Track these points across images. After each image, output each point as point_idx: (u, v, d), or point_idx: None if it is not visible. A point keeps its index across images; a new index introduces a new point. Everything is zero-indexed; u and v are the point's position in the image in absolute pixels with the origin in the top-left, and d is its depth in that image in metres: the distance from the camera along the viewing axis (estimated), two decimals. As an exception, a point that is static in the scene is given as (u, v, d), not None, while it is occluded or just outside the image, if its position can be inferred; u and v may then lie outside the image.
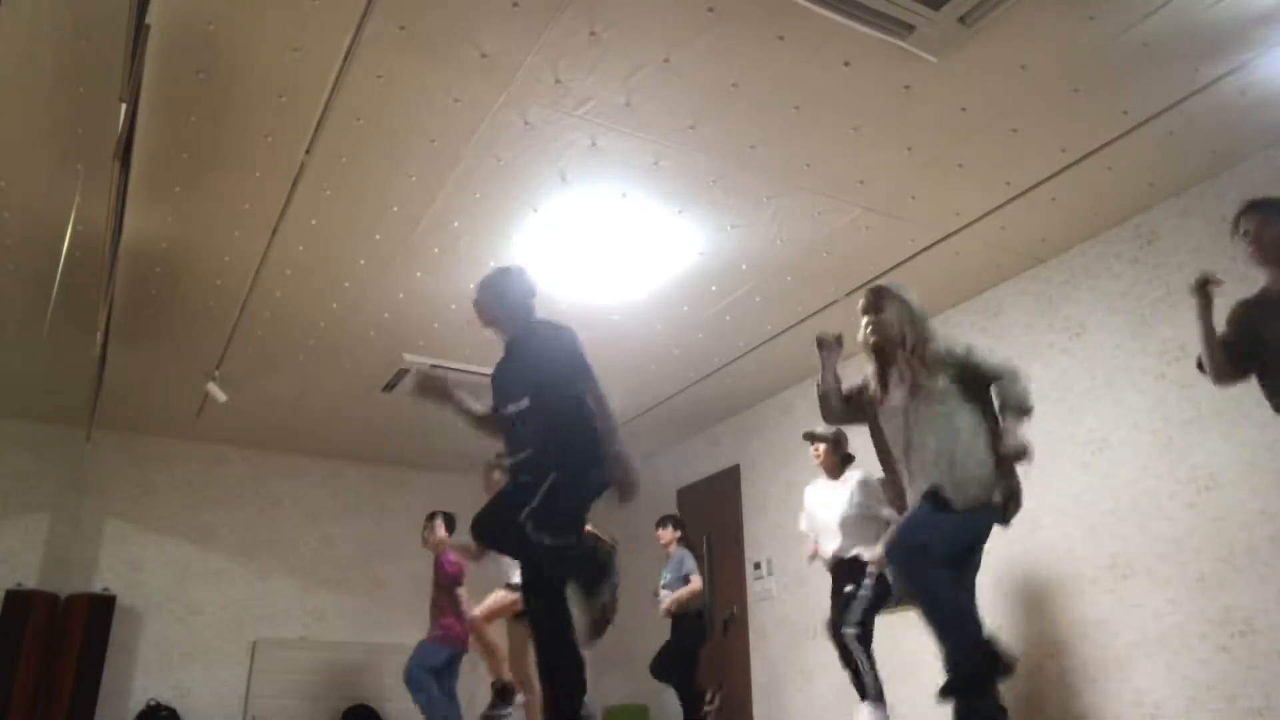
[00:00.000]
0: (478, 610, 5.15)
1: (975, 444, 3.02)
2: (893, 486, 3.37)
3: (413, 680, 5.49)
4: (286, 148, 3.83)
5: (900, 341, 3.16)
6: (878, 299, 3.24)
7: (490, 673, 5.25)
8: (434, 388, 3.36)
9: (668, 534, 5.87)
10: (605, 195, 4.23)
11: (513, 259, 4.73)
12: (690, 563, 5.71)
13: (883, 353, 3.23)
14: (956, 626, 2.92)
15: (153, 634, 6.88)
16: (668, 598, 5.68)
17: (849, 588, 4.45)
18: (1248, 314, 2.91)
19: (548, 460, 2.97)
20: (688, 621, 5.66)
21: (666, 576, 5.75)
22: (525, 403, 3.08)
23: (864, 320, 3.26)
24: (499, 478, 5.31)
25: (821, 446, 4.79)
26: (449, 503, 8.23)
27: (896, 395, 3.16)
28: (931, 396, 3.06)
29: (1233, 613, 3.68)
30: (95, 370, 5.54)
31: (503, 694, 5.02)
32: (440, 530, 5.88)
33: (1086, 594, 4.26)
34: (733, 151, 3.94)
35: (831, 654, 5.98)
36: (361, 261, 4.76)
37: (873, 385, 3.27)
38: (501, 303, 3.29)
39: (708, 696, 5.61)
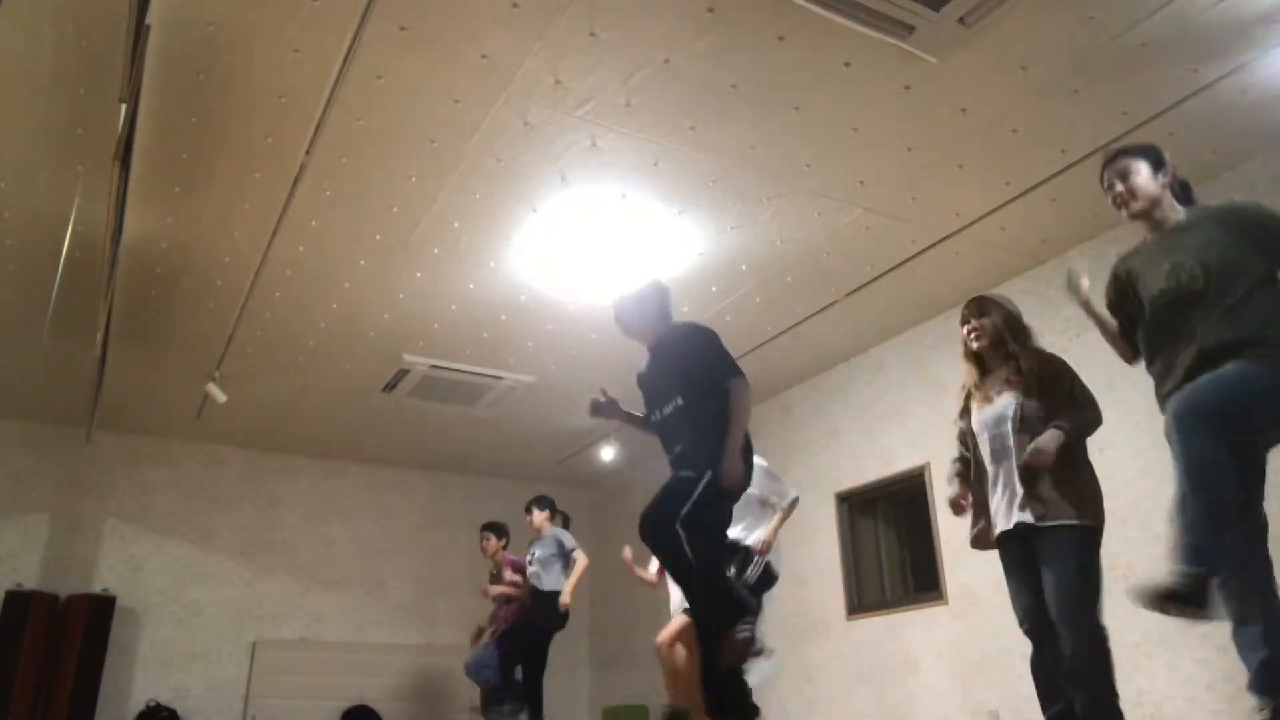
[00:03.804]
0: (661, 636, 4.87)
1: (1067, 456, 2.92)
2: (973, 495, 3.26)
3: (482, 670, 5.62)
4: (286, 148, 3.83)
5: (1003, 348, 3.11)
6: (980, 306, 3.18)
7: (668, 696, 5.04)
8: (604, 410, 3.54)
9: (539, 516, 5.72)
10: (605, 195, 4.23)
11: (513, 259, 4.74)
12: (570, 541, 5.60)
13: (982, 360, 3.18)
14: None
15: (153, 634, 6.88)
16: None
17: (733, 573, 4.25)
18: (1127, 278, 2.77)
19: (705, 453, 3.06)
20: (542, 603, 5.46)
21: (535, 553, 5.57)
22: (679, 401, 3.22)
23: (966, 329, 3.20)
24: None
25: None
26: (448, 502, 8.28)
27: (996, 403, 3.09)
28: (1031, 409, 2.98)
29: (1233, 613, 3.67)
30: (95, 370, 5.54)
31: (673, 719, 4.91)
32: (493, 541, 6.00)
33: (1086, 594, 4.25)
34: (733, 152, 3.94)
35: (831, 653, 6.00)
36: (361, 262, 4.76)
37: (968, 392, 3.21)
38: (644, 316, 3.51)
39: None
